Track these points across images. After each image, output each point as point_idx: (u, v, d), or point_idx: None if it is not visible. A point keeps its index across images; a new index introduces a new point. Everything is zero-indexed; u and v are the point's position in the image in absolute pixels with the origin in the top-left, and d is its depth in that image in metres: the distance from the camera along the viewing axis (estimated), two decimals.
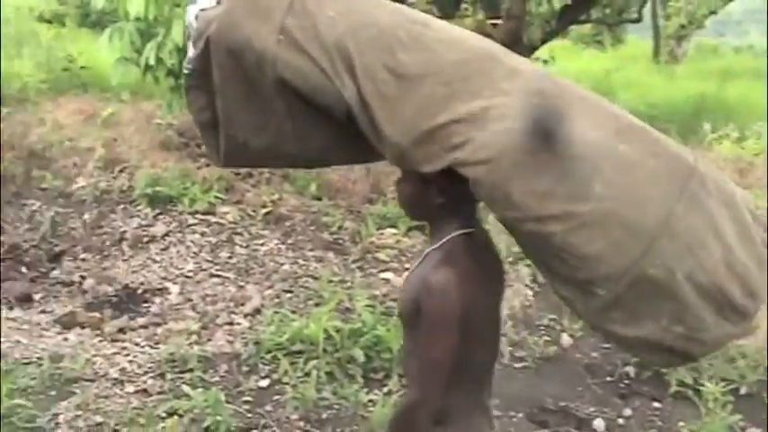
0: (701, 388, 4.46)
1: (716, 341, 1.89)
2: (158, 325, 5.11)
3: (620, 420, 4.43)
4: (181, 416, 4.02)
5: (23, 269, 5.91)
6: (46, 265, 5.99)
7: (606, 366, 4.91)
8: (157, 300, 5.49)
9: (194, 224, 6.35)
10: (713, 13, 17.94)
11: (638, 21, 12.31)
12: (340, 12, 1.94)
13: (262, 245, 6.22)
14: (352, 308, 5.15)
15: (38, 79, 8.12)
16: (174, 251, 6.05)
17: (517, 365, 4.87)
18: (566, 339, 5.14)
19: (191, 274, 5.80)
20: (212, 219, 6.44)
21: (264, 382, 4.47)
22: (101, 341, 4.86)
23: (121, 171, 6.92)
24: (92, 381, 4.35)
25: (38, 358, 4.48)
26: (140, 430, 3.89)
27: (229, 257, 6.01)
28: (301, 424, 4.13)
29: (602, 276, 1.79)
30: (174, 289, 5.60)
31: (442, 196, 2.01)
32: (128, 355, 4.70)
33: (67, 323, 5.08)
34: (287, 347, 4.68)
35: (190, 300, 5.47)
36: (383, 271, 6.02)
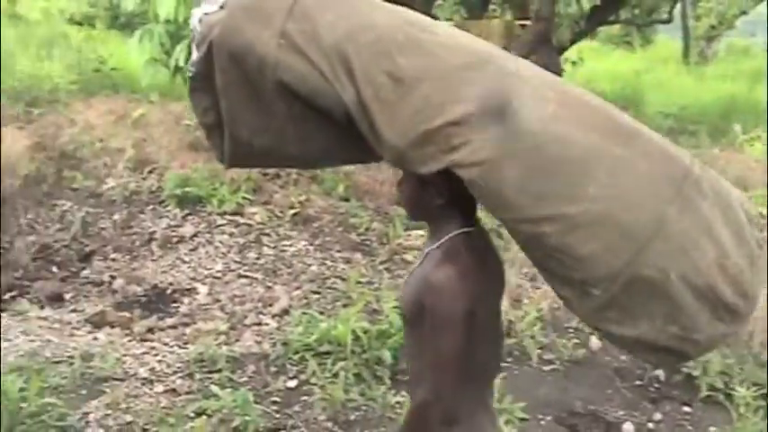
0: (732, 392, 4.42)
1: (710, 341, 1.91)
2: (187, 325, 5.14)
3: (650, 425, 4.37)
4: (209, 416, 4.04)
5: (54, 269, 5.99)
6: (76, 264, 6.06)
7: (636, 370, 4.85)
8: (186, 300, 5.53)
9: (223, 225, 6.39)
10: (744, 13, 17.81)
11: (668, 21, 12.22)
12: (340, 15, 1.95)
13: (290, 246, 6.23)
14: (379, 309, 5.13)
15: (68, 81, 8.24)
16: (203, 251, 6.09)
17: (546, 368, 4.83)
18: (594, 342, 5.08)
19: (219, 274, 5.82)
20: (240, 219, 6.48)
21: (292, 383, 4.47)
22: (130, 341, 4.91)
23: (151, 172, 6.98)
24: (121, 380, 4.38)
25: (68, 357, 4.52)
26: (169, 430, 3.91)
27: (257, 258, 6.03)
28: (329, 425, 4.13)
29: (598, 277, 1.81)
30: (203, 289, 5.64)
31: (441, 197, 2.03)
32: (157, 354, 4.73)
33: (98, 322, 5.12)
34: (315, 348, 4.68)
35: (218, 300, 5.49)
36: None
